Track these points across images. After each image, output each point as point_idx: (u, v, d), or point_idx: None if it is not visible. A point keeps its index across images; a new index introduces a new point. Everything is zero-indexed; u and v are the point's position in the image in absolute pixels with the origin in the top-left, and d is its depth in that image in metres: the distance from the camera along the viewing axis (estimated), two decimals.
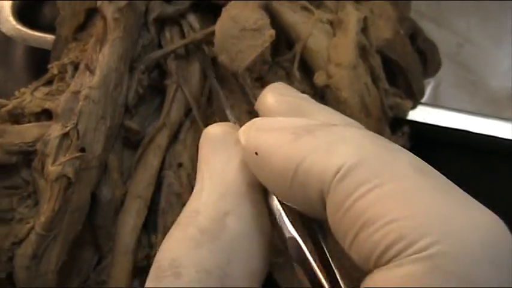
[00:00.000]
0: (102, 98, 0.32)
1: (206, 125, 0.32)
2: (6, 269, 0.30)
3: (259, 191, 0.22)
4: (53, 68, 0.37)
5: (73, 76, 0.36)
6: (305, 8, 0.36)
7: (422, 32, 0.43)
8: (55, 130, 0.32)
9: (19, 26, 0.49)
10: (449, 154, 0.42)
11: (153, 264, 0.21)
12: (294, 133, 0.20)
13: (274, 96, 0.24)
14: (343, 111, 0.33)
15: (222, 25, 0.33)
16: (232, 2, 0.33)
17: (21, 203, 0.32)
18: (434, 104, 0.42)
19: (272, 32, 0.32)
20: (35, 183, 0.32)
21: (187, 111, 0.35)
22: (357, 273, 0.19)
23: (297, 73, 0.35)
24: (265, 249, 0.22)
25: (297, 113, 0.23)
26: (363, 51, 0.36)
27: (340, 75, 0.33)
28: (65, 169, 0.30)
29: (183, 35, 0.37)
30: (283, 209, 0.21)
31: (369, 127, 0.34)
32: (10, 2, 0.51)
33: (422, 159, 0.19)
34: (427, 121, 0.40)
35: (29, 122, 0.35)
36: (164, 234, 0.25)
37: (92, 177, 0.32)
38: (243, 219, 0.21)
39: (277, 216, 0.22)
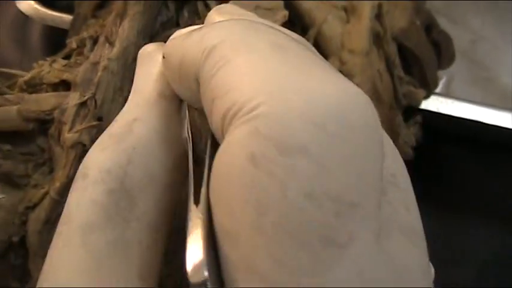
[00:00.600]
0: (120, 69, 0.33)
1: None
2: (19, 233, 0.31)
3: (171, 100, 0.23)
4: (72, 42, 0.38)
5: (92, 50, 0.36)
6: None
7: (438, 24, 0.43)
8: (73, 99, 0.32)
9: (37, 6, 0.50)
10: (461, 145, 0.42)
11: None
12: (187, 33, 0.20)
13: (219, 16, 0.24)
14: None
15: (236, 1, 0.33)
16: None
17: (36, 169, 0.32)
18: (447, 94, 0.42)
19: (285, 12, 0.33)
20: (50, 150, 0.32)
21: None
22: None
23: None
24: (168, 154, 0.22)
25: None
26: (377, 38, 0.36)
27: (353, 61, 0.34)
28: (82, 137, 0.31)
29: (201, 15, 0.38)
30: (188, 112, 0.23)
31: (380, 113, 0.34)
32: None
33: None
34: (440, 111, 0.40)
35: (47, 92, 0.36)
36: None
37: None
38: (148, 125, 0.22)
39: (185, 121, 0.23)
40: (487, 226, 0.42)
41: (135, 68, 0.33)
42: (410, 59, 0.39)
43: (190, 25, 0.36)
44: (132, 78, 0.33)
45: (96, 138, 0.31)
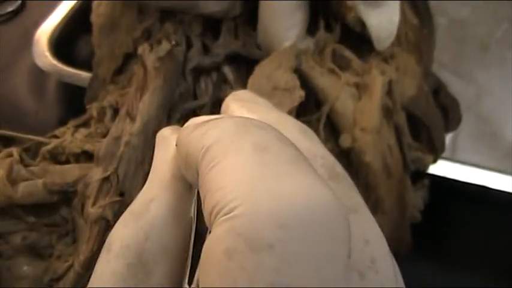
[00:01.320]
0: (141, 144, 0.34)
1: None
2: None
3: (183, 181, 0.25)
4: (92, 109, 0.40)
5: (112, 120, 0.38)
6: (332, 72, 0.38)
7: (445, 87, 0.45)
8: (96, 173, 0.33)
9: (55, 62, 0.52)
10: (467, 208, 0.43)
11: None
12: (195, 125, 0.22)
13: (234, 103, 0.27)
14: (366, 173, 0.35)
15: (255, 81, 0.35)
16: (266, 61, 0.36)
17: (60, 240, 0.34)
18: (454, 159, 0.44)
19: (302, 93, 0.35)
20: (74, 222, 0.34)
21: None
22: None
23: (322, 132, 0.37)
24: (181, 231, 0.24)
25: (249, 111, 0.26)
26: (387, 112, 0.38)
27: (365, 139, 0.35)
28: (105, 212, 0.32)
29: (218, 86, 0.40)
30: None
31: (390, 188, 0.36)
32: (47, 36, 0.54)
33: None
34: (446, 175, 0.42)
35: (68, 160, 0.37)
36: None
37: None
38: (163, 204, 0.24)
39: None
40: (490, 283, 0.43)
41: (155, 142, 0.35)
42: (419, 126, 0.41)
43: (209, 101, 0.38)
44: (152, 151, 0.35)
45: (119, 212, 0.32)
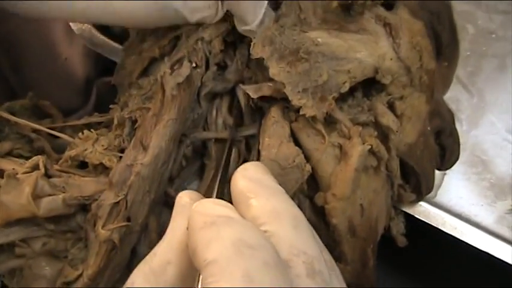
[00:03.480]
0: (150, 174, 0.38)
1: None
2: None
3: None
4: (114, 113, 0.43)
5: (130, 133, 0.41)
6: (319, 132, 0.39)
7: (452, 127, 0.46)
8: (109, 197, 0.37)
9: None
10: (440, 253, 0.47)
11: None
12: (204, 222, 0.27)
13: (233, 180, 0.31)
14: (333, 231, 0.39)
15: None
16: (267, 142, 0.38)
17: (74, 245, 0.39)
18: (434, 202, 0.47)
19: (309, 167, 0.38)
20: (86, 233, 0.39)
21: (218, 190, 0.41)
22: None
23: (304, 187, 0.40)
24: None
25: (248, 195, 0.29)
26: (378, 161, 0.40)
27: (334, 205, 0.38)
28: (113, 235, 0.37)
29: (229, 109, 0.42)
30: None
31: (354, 245, 0.40)
32: None
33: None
34: (418, 217, 0.45)
35: (87, 166, 0.41)
36: None
37: (133, 239, 0.38)
38: (178, 268, 0.29)
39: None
40: None
41: (163, 171, 0.39)
42: (410, 172, 0.43)
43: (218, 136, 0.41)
44: (159, 181, 0.39)
45: (125, 235, 0.37)
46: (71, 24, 0.54)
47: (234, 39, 0.43)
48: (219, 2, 0.40)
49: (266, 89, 0.40)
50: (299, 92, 0.39)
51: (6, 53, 0.58)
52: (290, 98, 0.38)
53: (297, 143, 0.40)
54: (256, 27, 0.40)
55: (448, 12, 0.46)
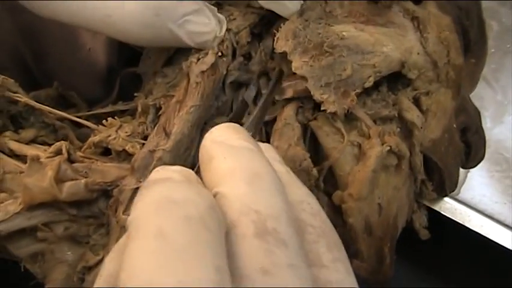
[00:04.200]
0: (172, 160, 0.38)
1: None
2: (77, 287, 0.38)
3: None
4: (138, 100, 0.42)
5: (153, 120, 0.41)
6: (338, 131, 0.38)
7: (478, 124, 0.45)
8: (130, 182, 0.37)
9: None
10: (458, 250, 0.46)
11: None
12: (143, 186, 0.24)
13: (204, 143, 0.27)
14: (349, 230, 0.38)
15: None
16: (275, 145, 0.38)
17: (96, 230, 0.39)
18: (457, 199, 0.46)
19: (315, 171, 0.38)
20: (108, 219, 0.38)
21: None
22: None
23: (321, 184, 0.39)
24: None
25: (207, 157, 0.26)
26: (399, 161, 0.39)
27: (350, 204, 0.37)
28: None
29: (254, 100, 0.42)
30: None
31: (369, 243, 0.39)
32: None
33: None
34: (442, 212, 0.44)
35: (110, 153, 0.41)
36: None
37: None
38: None
39: None
40: None
41: (185, 157, 0.38)
42: (434, 167, 0.42)
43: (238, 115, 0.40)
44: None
45: None
46: None
47: (261, 31, 0.42)
48: (218, 28, 0.39)
49: (289, 92, 0.40)
50: (321, 86, 0.38)
51: (29, 44, 0.58)
52: (312, 93, 0.38)
53: (316, 141, 0.40)
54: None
55: (477, 9, 0.45)
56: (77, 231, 0.38)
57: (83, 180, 0.37)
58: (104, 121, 0.42)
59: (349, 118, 0.39)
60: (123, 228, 0.37)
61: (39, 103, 0.45)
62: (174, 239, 0.21)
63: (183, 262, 0.20)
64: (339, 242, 0.25)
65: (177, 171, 0.25)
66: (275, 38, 0.39)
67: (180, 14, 0.37)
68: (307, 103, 0.39)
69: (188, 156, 0.39)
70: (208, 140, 0.27)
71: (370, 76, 0.39)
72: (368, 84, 0.39)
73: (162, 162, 0.37)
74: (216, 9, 0.40)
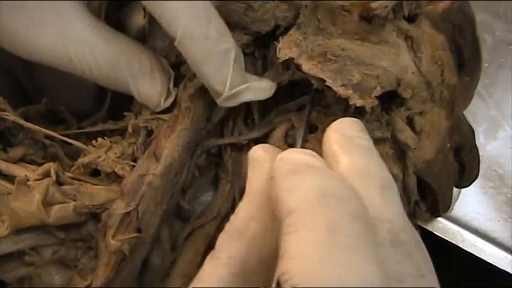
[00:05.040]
0: (162, 185, 0.37)
1: None
2: None
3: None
4: (129, 121, 0.41)
5: (144, 142, 0.40)
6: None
7: (472, 143, 0.44)
8: (120, 207, 0.36)
9: None
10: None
11: None
12: (289, 170, 0.26)
13: (328, 132, 0.30)
14: None
15: None
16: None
17: (85, 254, 0.38)
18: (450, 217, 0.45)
19: None
20: (97, 243, 0.37)
21: (234, 203, 0.40)
22: None
23: None
24: (275, 245, 0.27)
25: (339, 150, 0.28)
26: None
27: None
28: (123, 246, 0.35)
29: (245, 121, 0.41)
30: None
31: None
32: None
33: None
34: (435, 232, 0.44)
35: (100, 174, 0.40)
36: None
37: (144, 251, 0.37)
38: (261, 223, 0.28)
39: None
40: None
41: (176, 182, 0.37)
42: (427, 188, 0.41)
43: (231, 141, 0.39)
44: (172, 191, 0.38)
45: (135, 246, 0.36)
46: None
47: (253, 51, 0.42)
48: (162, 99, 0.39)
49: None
50: (340, 86, 0.36)
51: (19, 57, 0.57)
52: (336, 89, 0.36)
53: None
54: (236, 91, 0.36)
55: (471, 25, 0.44)
56: (65, 254, 0.37)
57: (72, 204, 0.36)
58: (93, 141, 0.41)
59: None
60: (112, 254, 0.36)
61: (28, 120, 0.44)
62: (344, 234, 0.22)
63: (351, 257, 0.21)
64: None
65: (315, 156, 0.27)
66: (277, 49, 0.38)
67: (134, 71, 0.38)
68: (298, 125, 0.38)
69: (179, 180, 0.38)
70: (336, 130, 0.29)
71: (376, 86, 0.38)
72: (376, 93, 0.37)
73: (152, 187, 0.36)
74: (171, 80, 0.40)
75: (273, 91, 0.38)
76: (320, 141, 0.37)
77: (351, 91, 0.35)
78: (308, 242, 0.22)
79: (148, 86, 0.39)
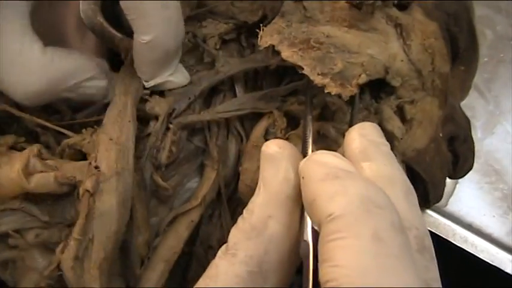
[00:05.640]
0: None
1: (232, 213, 0.36)
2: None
3: (294, 202, 0.29)
4: None
5: None
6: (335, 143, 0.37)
7: (467, 133, 0.43)
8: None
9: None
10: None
11: (226, 242, 0.29)
12: (325, 174, 0.26)
13: (351, 135, 0.30)
14: None
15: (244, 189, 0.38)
16: (244, 167, 0.38)
17: (68, 236, 0.38)
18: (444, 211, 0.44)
19: None
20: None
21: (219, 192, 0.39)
22: None
23: None
24: (293, 245, 0.29)
25: (361, 156, 0.29)
26: None
27: None
28: (86, 185, 0.35)
29: None
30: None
31: None
32: None
33: None
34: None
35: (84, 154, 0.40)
36: None
37: (111, 189, 0.36)
38: (279, 222, 0.28)
39: (304, 224, 0.28)
40: None
41: None
42: (417, 178, 0.40)
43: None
44: None
45: (97, 183, 0.36)
46: (82, 15, 0.52)
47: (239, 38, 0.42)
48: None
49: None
50: (318, 74, 0.36)
51: None
52: (312, 78, 0.35)
53: None
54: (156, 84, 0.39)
55: (467, 14, 0.43)
56: (48, 238, 0.37)
57: (53, 173, 0.36)
58: (83, 130, 0.40)
59: (321, 136, 0.38)
60: (83, 198, 0.36)
61: (23, 110, 0.44)
62: (389, 244, 0.23)
63: (395, 266, 0.22)
64: None
65: (346, 160, 0.28)
66: (259, 36, 0.38)
67: (71, 83, 0.38)
68: (281, 122, 0.38)
69: None
70: (360, 135, 0.30)
71: (361, 74, 0.37)
72: (361, 81, 0.37)
73: None
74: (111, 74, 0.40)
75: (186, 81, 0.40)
76: (300, 138, 0.37)
77: (327, 79, 0.35)
78: (355, 251, 0.23)
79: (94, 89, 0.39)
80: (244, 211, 0.29)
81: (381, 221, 0.23)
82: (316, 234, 0.27)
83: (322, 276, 0.23)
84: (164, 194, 0.39)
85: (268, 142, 0.31)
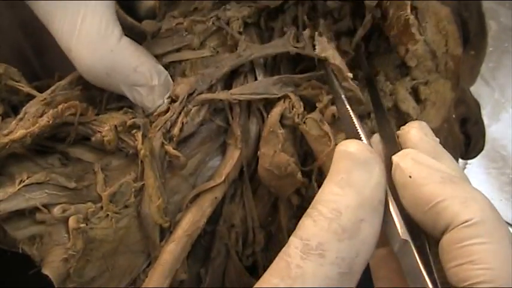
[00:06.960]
0: None
1: (254, 191, 0.37)
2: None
3: (383, 205, 0.30)
4: None
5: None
6: (326, 135, 0.38)
7: (478, 115, 0.45)
8: None
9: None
10: None
11: (298, 240, 0.28)
12: (441, 177, 0.28)
13: (418, 134, 0.32)
14: None
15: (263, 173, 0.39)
16: (262, 152, 0.39)
17: (95, 214, 0.38)
18: None
19: (300, 175, 0.38)
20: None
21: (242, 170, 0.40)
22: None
23: (314, 184, 0.39)
24: (380, 247, 0.31)
25: (433, 155, 0.30)
26: None
27: None
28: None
29: None
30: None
31: None
32: None
33: None
34: None
35: None
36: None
37: None
38: (372, 226, 0.29)
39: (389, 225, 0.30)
40: None
41: None
42: None
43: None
44: None
45: None
46: None
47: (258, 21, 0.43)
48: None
49: None
50: None
51: (30, 38, 0.57)
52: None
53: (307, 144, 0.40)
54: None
55: (476, 1, 0.45)
56: (75, 213, 0.38)
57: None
58: None
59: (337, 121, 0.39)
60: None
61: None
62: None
63: None
64: None
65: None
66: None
67: (131, 82, 0.38)
68: (298, 107, 0.39)
69: None
70: (425, 134, 0.32)
71: None
72: None
73: None
74: (168, 92, 0.40)
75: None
76: (316, 122, 0.38)
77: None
78: (501, 254, 0.25)
79: (145, 97, 0.39)
80: (324, 209, 0.29)
81: (504, 224, 0.26)
82: None
83: (469, 278, 0.25)
84: (177, 163, 0.39)
85: (348, 142, 0.31)
